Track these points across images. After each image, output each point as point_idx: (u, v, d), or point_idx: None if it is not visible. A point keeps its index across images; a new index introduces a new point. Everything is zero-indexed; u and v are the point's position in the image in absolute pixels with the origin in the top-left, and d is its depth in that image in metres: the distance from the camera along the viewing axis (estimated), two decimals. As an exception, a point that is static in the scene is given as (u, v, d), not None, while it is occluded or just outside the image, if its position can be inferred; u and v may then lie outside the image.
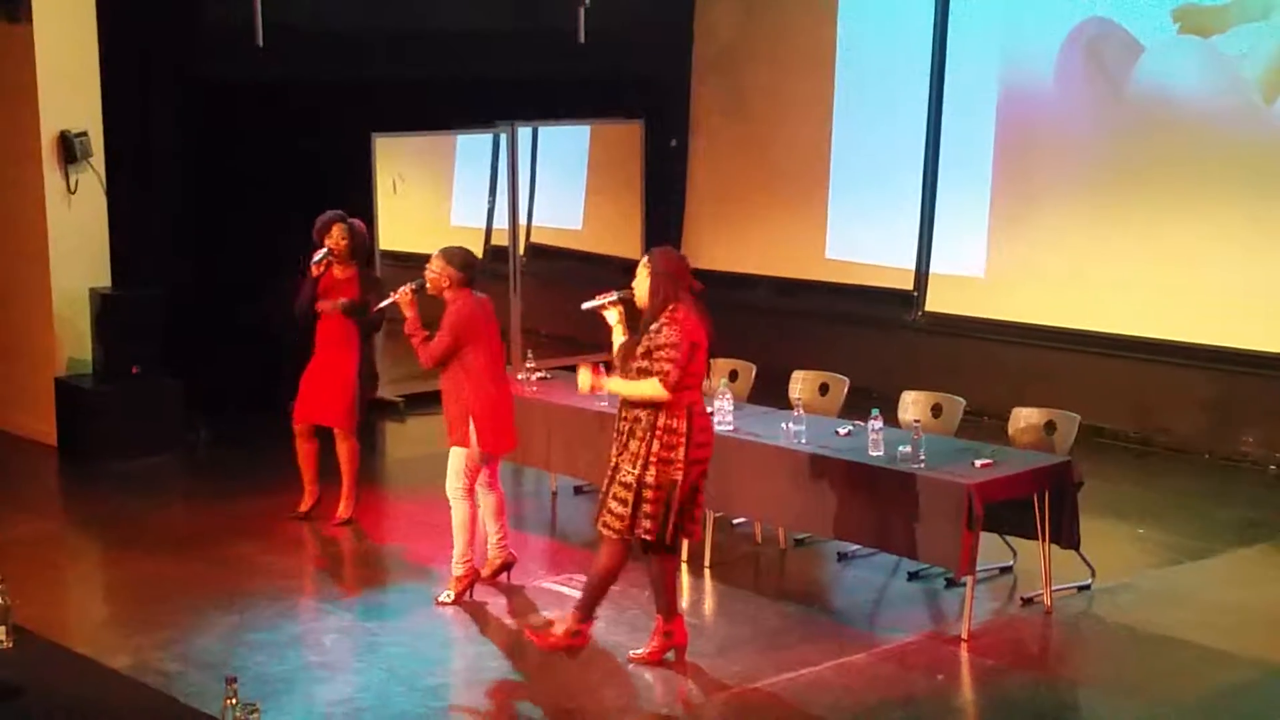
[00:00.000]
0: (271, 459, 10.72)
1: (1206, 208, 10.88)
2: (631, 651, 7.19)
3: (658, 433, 6.81)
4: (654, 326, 6.83)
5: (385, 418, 12.21)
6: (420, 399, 12.23)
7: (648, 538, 6.89)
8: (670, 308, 6.83)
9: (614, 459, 6.96)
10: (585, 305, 7.34)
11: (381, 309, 8.37)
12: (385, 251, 12.46)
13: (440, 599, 7.96)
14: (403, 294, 7.98)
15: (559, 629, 7.14)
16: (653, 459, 6.81)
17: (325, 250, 9.06)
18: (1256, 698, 6.96)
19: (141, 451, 10.76)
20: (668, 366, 6.76)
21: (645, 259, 7.00)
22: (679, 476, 6.82)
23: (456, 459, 7.92)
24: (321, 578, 8.68)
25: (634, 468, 6.84)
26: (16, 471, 10.83)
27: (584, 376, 7.12)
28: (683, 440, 6.82)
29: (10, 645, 6.04)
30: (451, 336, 7.82)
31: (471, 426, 7.85)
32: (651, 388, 6.78)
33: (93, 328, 11.02)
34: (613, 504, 6.90)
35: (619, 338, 7.11)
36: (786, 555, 8.83)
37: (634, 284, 6.97)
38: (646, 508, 6.83)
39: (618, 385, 6.96)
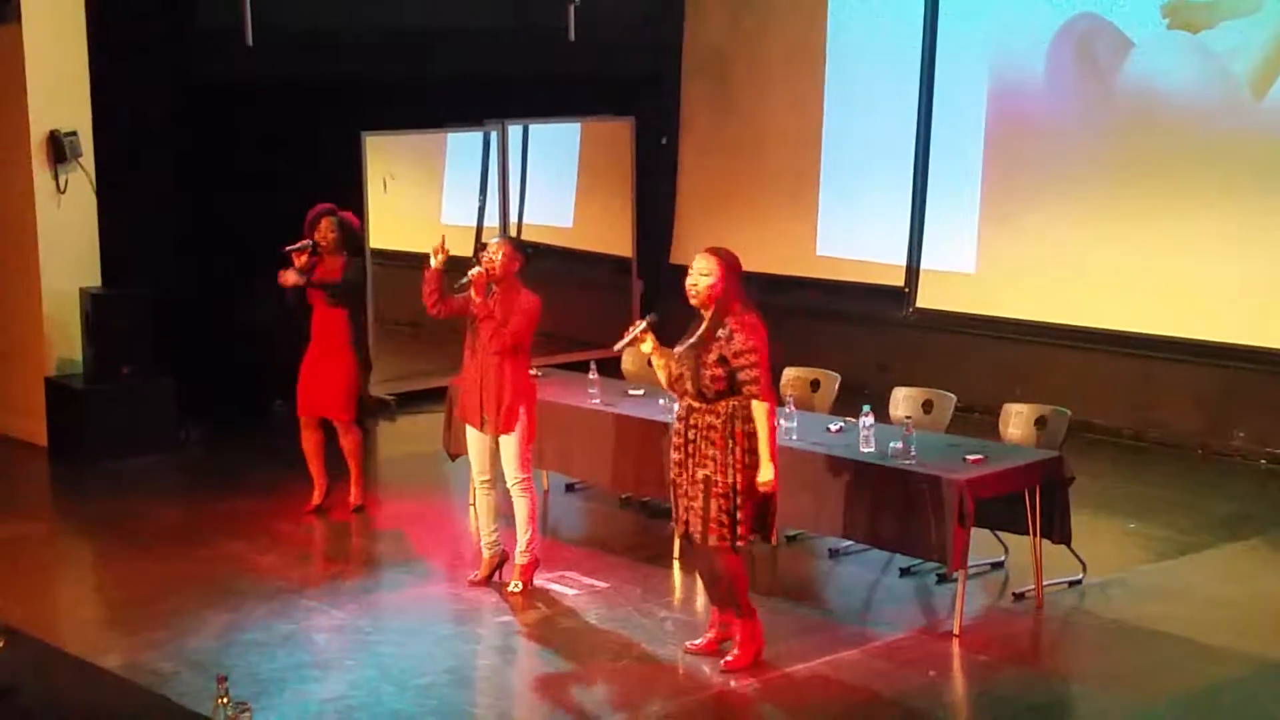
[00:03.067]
0: (262, 458, 10.72)
1: (1196, 203, 10.89)
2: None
3: (739, 438, 6.79)
4: (722, 333, 6.75)
5: (377, 416, 12.19)
6: (412, 397, 12.22)
7: (741, 543, 6.86)
8: (732, 309, 6.78)
9: (689, 466, 6.87)
10: (619, 345, 7.25)
11: (461, 286, 7.93)
12: (375, 250, 12.44)
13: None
14: (478, 274, 7.85)
15: (736, 650, 7.04)
16: (738, 465, 6.79)
17: (308, 241, 9.09)
18: (1248, 692, 6.96)
19: (132, 451, 10.73)
20: (755, 374, 6.73)
21: (709, 256, 6.84)
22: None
23: (515, 451, 7.94)
24: (313, 577, 8.65)
25: (726, 476, 6.79)
26: (6, 472, 10.80)
27: (765, 472, 6.83)
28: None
29: (2, 646, 6.04)
30: (533, 321, 7.90)
31: (523, 415, 7.93)
32: (762, 413, 6.75)
33: (83, 328, 10.99)
34: (722, 516, 6.82)
35: (658, 360, 7.00)
36: (778, 552, 8.82)
37: (689, 281, 6.86)
38: (741, 514, 6.82)
39: (765, 450, 6.79)
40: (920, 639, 7.52)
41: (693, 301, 6.91)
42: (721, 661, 7.06)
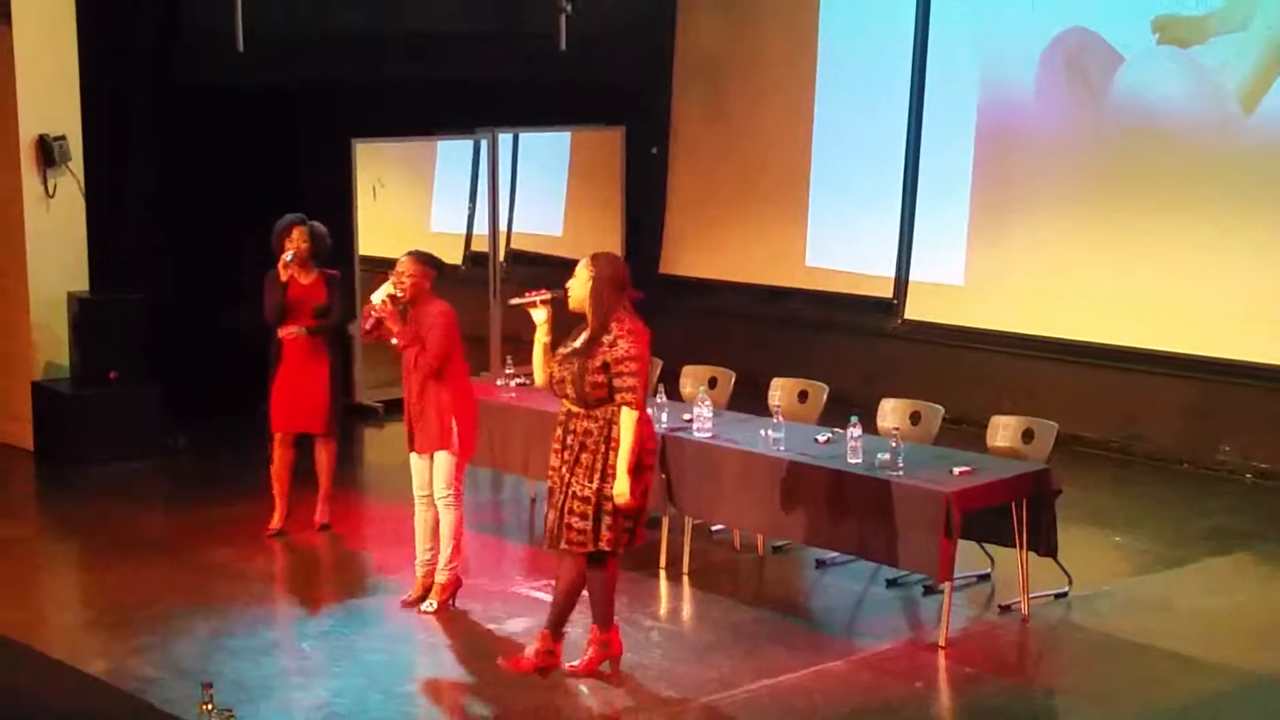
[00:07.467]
0: (250, 464, 10.68)
1: (1185, 218, 10.91)
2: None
3: (612, 445, 6.76)
4: (607, 339, 6.73)
5: (364, 423, 12.18)
6: (399, 405, 12.18)
7: (606, 548, 6.83)
8: (616, 316, 6.77)
9: (562, 473, 6.86)
10: (513, 301, 7.11)
11: (367, 331, 7.89)
12: (365, 257, 12.44)
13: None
14: (383, 305, 7.70)
15: (530, 650, 7.10)
16: (610, 471, 6.75)
17: (290, 253, 8.88)
18: (1231, 705, 6.98)
19: (119, 456, 10.71)
20: (632, 382, 6.69)
21: (586, 261, 6.87)
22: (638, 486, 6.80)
23: (446, 466, 7.81)
24: (299, 583, 8.65)
25: (590, 481, 6.77)
26: (-7, 476, 10.81)
27: (620, 485, 6.76)
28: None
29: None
30: (451, 338, 7.73)
31: (455, 430, 7.79)
32: (629, 419, 6.70)
33: (70, 332, 10.98)
34: (573, 520, 6.81)
35: (543, 338, 6.97)
36: (765, 562, 8.83)
37: (569, 284, 6.86)
38: (607, 520, 6.78)
39: (623, 463, 6.71)
40: (906, 650, 7.52)
41: (569, 306, 6.89)
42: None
